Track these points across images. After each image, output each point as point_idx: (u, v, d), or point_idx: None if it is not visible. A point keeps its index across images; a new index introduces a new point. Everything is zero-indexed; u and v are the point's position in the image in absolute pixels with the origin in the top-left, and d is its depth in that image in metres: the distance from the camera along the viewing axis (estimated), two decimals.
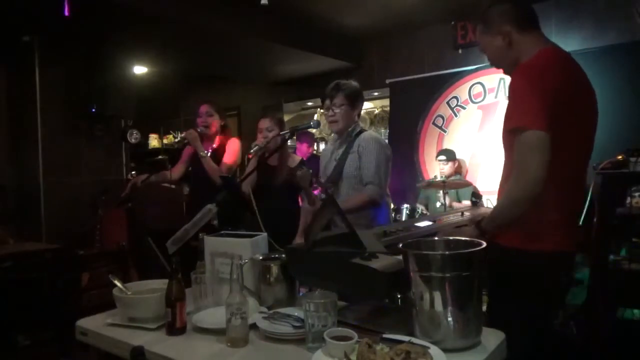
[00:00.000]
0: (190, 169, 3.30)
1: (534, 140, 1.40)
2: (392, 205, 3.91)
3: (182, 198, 4.50)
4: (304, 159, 4.97)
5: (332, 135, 2.59)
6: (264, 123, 2.88)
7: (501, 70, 1.70)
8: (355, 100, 2.42)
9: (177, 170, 3.30)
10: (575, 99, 1.52)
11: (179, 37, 4.25)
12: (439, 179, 4.14)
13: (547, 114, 1.40)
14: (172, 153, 5.57)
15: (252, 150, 2.77)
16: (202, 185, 3.05)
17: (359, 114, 2.50)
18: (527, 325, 1.50)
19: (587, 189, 2.68)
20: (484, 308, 1.54)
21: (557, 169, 1.43)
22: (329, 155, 2.53)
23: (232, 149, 3.17)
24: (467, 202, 3.87)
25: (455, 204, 4.09)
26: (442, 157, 4.28)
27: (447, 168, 4.24)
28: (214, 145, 3.19)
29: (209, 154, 3.10)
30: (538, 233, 1.50)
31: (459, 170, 4.42)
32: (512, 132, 1.48)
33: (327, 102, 2.43)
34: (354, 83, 2.47)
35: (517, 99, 1.49)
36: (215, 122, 3.19)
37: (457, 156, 4.53)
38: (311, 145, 5.25)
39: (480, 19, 1.67)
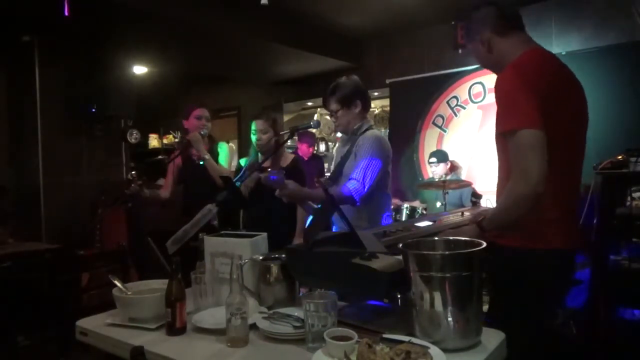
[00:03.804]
0: (181, 185, 3.22)
1: (530, 139, 1.40)
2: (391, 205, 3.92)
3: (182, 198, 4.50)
4: (305, 159, 5.00)
5: (341, 134, 2.58)
6: (257, 125, 2.82)
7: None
8: (348, 100, 2.35)
9: (167, 189, 3.22)
10: (564, 98, 1.51)
11: (179, 37, 4.25)
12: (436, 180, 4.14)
13: (539, 113, 1.40)
14: (172, 153, 5.58)
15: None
16: (199, 197, 2.83)
17: (365, 109, 2.43)
18: (527, 324, 1.51)
19: (587, 189, 2.68)
20: (484, 308, 1.53)
21: (552, 168, 1.43)
22: (336, 154, 2.54)
23: (225, 152, 3.19)
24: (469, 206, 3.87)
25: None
26: (433, 159, 4.28)
27: (439, 169, 4.24)
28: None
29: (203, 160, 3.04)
30: (536, 232, 1.50)
31: (454, 170, 4.41)
32: (505, 135, 1.47)
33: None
34: (349, 81, 2.37)
35: (506, 101, 1.48)
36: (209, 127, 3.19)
37: (457, 156, 4.52)
38: (312, 145, 5.26)
39: (465, 28, 1.71)
